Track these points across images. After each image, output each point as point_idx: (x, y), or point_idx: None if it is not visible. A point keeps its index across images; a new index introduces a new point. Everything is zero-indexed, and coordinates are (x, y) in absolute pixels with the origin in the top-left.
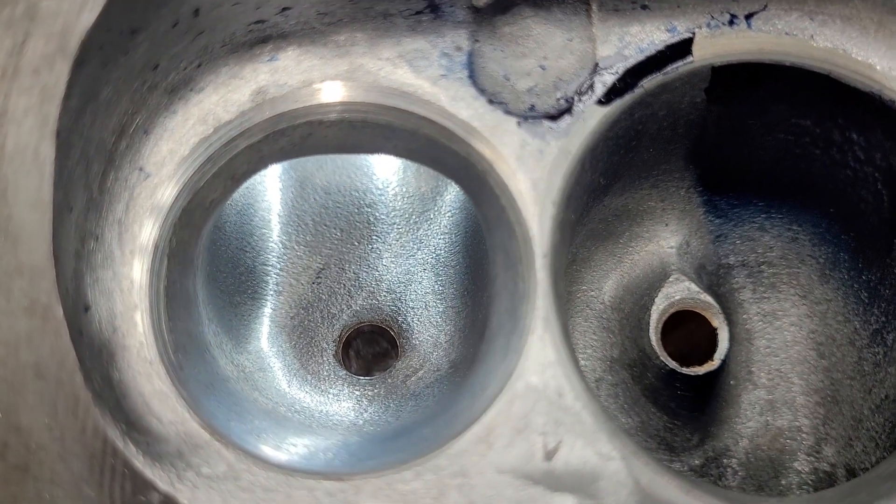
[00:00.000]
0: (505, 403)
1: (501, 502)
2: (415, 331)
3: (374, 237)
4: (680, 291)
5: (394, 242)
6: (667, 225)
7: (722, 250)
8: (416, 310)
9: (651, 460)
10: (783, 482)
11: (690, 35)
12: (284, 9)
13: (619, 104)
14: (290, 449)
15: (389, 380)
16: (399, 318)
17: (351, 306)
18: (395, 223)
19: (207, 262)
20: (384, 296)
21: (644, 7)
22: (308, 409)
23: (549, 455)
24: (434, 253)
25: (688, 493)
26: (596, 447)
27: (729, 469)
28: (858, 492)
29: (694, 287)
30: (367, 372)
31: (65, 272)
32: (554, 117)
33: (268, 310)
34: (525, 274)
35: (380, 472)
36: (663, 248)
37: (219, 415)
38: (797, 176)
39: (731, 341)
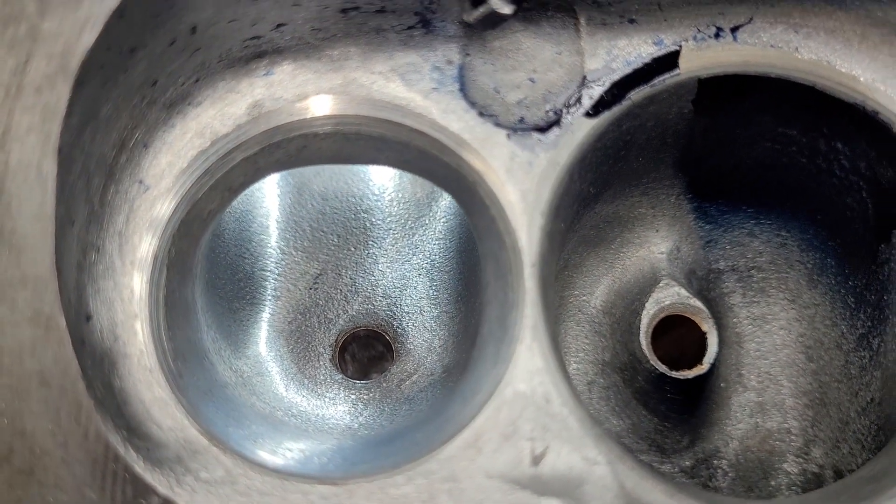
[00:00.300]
0: (494, 410)
1: None
2: (410, 335)
3: (371, 242)
4: (670, 296)
5: (390, 247)
6: (657, 231)
7: (712, 255)
8: (411, 314)
9: (636, 464)
10: (773, 483)
11: (677, 48)
12: (279, 25)
13: (607, 116)
14: (286, 454)
15: (384, 384)
16: (394, 323)
17: (347, 311)
18: (391, 228)
19: (206, 270)
20: (380, 300)
21: (631, 21)
22: (304, 413)
23: (537, 460)
24: (429, 258)
25: (672, 496)
26: (582, 452)
27: (719, 470)
28: (842, 494)
29: (684, 292)
30: (363, 376)
31: (67, 283)
32: (543, 129)
33: (266, 315)
34: (514, 284)
35: (372, 477)
36: (654, 253)
37: (217, 421)
38: (785, 183)
39: (720, 345)
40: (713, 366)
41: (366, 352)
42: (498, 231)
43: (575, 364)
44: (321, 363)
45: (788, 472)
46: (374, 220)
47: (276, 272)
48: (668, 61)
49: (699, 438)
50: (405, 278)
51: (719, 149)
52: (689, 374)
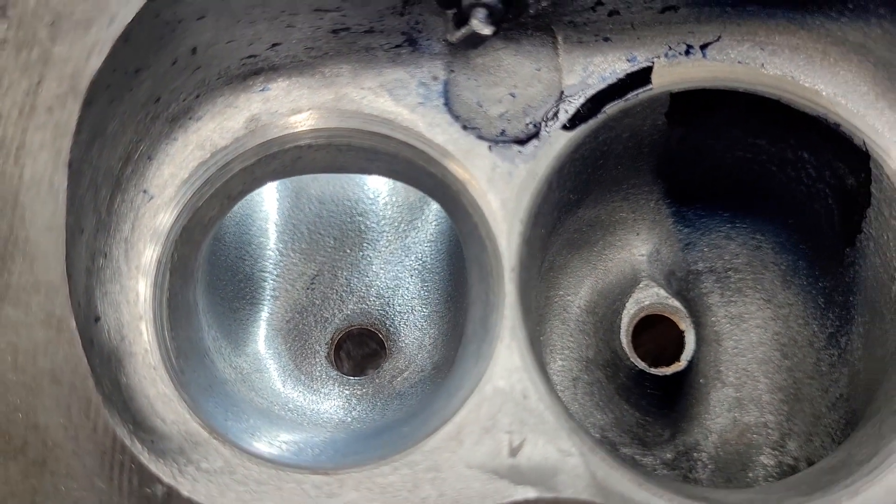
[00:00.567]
0: (475, 404)
1: (470, 494)
2: (402, 333)
3: (366, 244)
4: (650, 297)
5: (383, 249)
6: (638, 234)
7: (691, 257)
8: (403, 314)
9: (607, 455)
10: (750, 475)
11: (649, 64)
12: (275, 44)
13: (583, 129)
14: (282, 446)
15: (377, 380)
16: (387, 322)
17: (343, 310)
18: (384, 231)
19: (207, 273)
20: (374, 300)
21: (606, 39)
22: (300, 408)
23: (514, 451)
24: (420, 260)
25: (640, 485)
26: (556, 444)
27: (699, 462)
28: (800, 485)
29: (663, 292)
30: (358, 372)
31: (77, 287)
32: (523, 142)
33: (264, 314)
34: (495, 286)
35: (361, 467)
36: (635, 255)
37: (217, 415)
38: (759, 190)
39: (699, 343)
40: (692, 363)
41: (360, 349)
42: (480, 237)
43: (560, 361)
44: (317, 360)
45: (765, 464)
46: (368, 223)
47: (275, 273)
48: (641, 77)
49: (680, 432)
50: (398, 279)
51: (694, 157)
52: (668, 370)
